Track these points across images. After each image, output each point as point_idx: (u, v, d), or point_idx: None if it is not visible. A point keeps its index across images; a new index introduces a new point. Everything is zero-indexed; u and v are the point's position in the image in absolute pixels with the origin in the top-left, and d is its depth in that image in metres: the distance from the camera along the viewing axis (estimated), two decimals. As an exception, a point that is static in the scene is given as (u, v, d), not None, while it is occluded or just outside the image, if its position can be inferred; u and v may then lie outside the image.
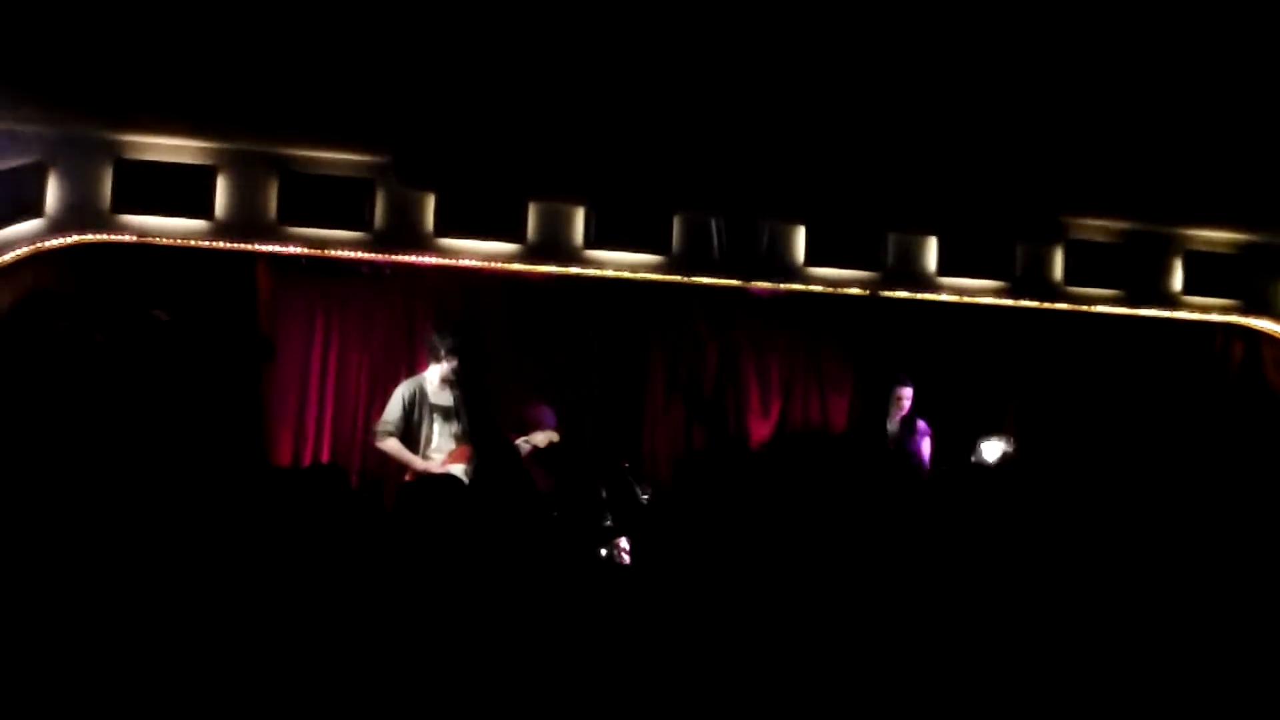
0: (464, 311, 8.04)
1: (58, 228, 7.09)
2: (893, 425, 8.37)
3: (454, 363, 7.37)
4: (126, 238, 7.17)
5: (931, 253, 8.10)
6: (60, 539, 3.62)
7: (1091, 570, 3.44)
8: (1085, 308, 8.33)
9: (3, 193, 6.98)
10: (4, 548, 3.52)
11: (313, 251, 7.47)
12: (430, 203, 7.51)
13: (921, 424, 8.35)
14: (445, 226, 7.51)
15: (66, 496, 4.50)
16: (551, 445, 7.41)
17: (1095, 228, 8.33)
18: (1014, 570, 3.30)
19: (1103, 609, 3.27)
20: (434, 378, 7.44)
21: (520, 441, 7.36)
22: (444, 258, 7.56)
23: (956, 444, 8.11)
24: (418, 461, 7.28)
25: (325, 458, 8.32)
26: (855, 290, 8.06)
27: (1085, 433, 8.24)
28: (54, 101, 6.70)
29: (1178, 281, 8.50)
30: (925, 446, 8.30)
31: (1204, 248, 8.54)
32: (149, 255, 7.28)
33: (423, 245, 7.52)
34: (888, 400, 8.35)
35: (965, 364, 8.65)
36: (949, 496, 3.72)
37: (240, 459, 7.27)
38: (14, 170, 7.01)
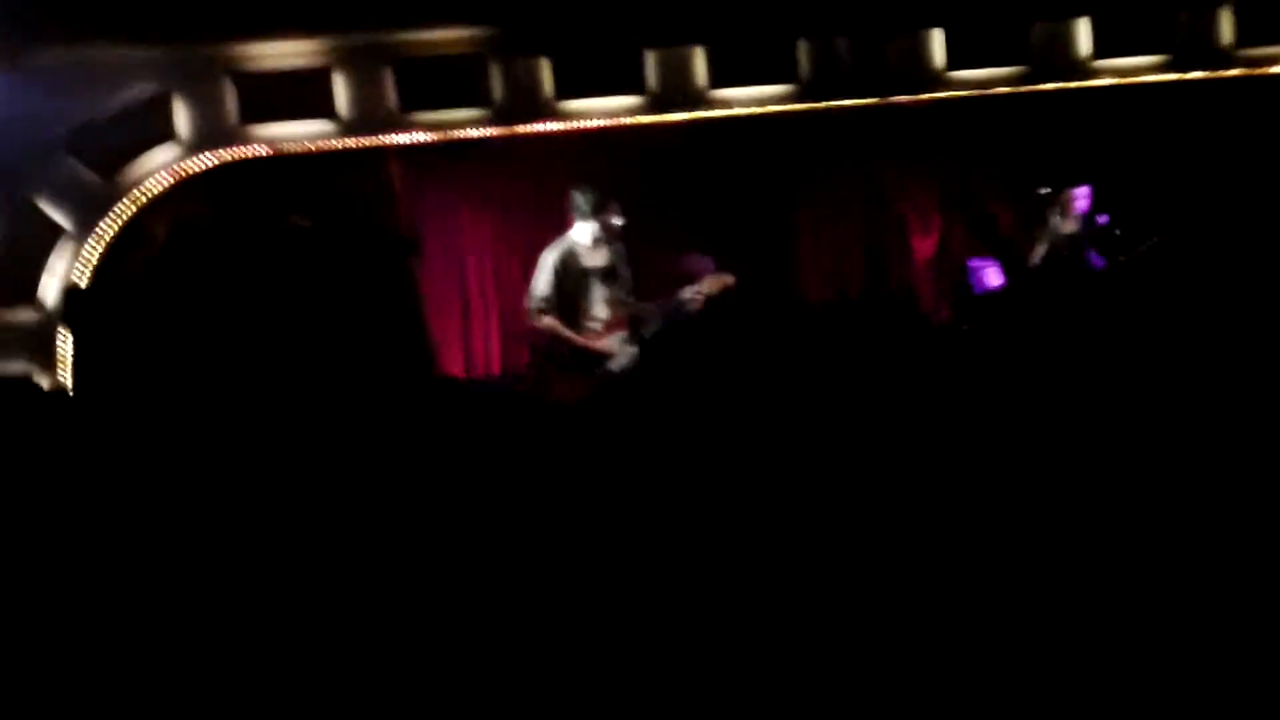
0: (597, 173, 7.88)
1: (191, 152, 7.22)
2: (1070, 226, 7.87)
3: (605, 218, 6.81)
4: (258, 150, 7.28)
5: (1084, 35, 7.56)
6: (232, 465, 3.68)
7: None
8: (1261, 70, 7.63)
9: (135, 127, 7.15)
10: (177, 471, 3.61)
11: (438, 136, 7.45)
12: (546, 68, 7.39)
13: (1101, 219, 7.84)
14: (564, 90, 7.39)
15: (241, 421, 4.61)
16: (726, 290, 6.95)
17: (1267, -20, 7.60)
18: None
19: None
20: (584, 238, 6.89)
21: (689, 293, 6.95)
22: (567, 121, 7.43)
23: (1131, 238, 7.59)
24: (577, 339, 6.84)
25: (495, 341, 8.40)
26: (1003, 89, 7.59)
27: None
28: (168, 24, 6.80)
29: (1367, 24, 7.68)
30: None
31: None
32: (281, 171, 7.38)
33: (544, 112, 7.42)
34: (1050, 205, 7.82)
35: (1130, 157, 8.04)
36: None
37: (410, 367, 7.35)
38: (142, 104, 7.16)
